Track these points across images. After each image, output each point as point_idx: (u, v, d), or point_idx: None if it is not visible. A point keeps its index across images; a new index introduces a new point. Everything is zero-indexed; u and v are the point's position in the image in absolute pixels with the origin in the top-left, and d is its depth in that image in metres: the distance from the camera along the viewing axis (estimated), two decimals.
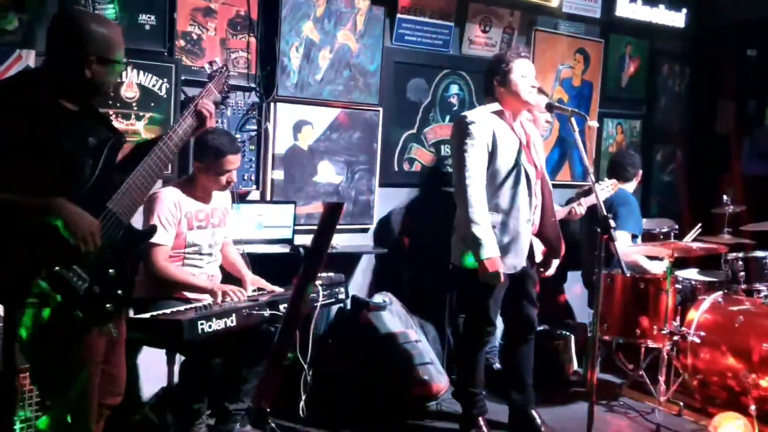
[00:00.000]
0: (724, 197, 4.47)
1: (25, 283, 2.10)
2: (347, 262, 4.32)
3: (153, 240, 3.05)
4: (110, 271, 2.22)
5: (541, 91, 3.45)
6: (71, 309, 2.13)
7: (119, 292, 2.25)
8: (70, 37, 2.19)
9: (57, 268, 2.09)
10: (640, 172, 4.66)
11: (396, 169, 4.55)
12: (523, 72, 3.41)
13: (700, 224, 4.51)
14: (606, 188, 4.18)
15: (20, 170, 2.08)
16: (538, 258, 3.55)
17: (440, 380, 3.93)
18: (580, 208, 4.12)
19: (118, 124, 3.45)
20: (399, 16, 4.36)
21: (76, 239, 2.11)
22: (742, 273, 4.25)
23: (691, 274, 4.61)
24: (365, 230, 4.46)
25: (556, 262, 3.65)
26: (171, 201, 3.18)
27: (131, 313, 3.02)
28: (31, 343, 2.20)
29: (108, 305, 2.21)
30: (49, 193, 2.11)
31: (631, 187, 4.62)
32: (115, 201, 2.25)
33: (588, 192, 4.25)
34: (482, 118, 3.41)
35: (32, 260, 2.09)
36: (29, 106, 2.13)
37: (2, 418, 2.65)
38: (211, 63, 2.81)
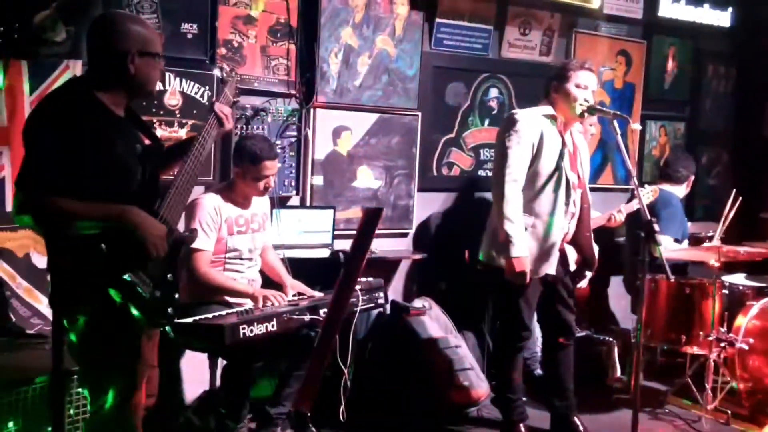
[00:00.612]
0: None
1: (98, 288, 2.15)
2: (386, 266, 4.32)
3: (194, 245, 3.11)
4: (168, 276, 2.28)
5: (592, 110, 3.41)
6: (142, 315, 2.18)
7: (176, 296, 2.31)
8: (111, 36, 2.24)
9: (126, 275, 2.15)
10: (692, 177, 4.57)
11: (435, 173, 4.54)
12: (579, 82, 3.38)
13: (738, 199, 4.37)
14: (647, 194, 4.11)
15: (77, 177, 2.13)
16: (572, 266, 3.51)
17: (480, 386, 3.90)
18: (620, 215, 4.06)
19: (161, 131, 3.51)
20: (438, 20, 4.36)
21: (147, 245, 2.18)
22: None
23: (739, 279, 4.50)
24: (404, 235, 4.46)
25: (588, 275, 3.60)
26: (211, 207, 3.22)
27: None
28: (85, 346, 2.25)
29: (170, 309, 2.28)
30: (103, 199, 2.17)
31: (680, 191, 4.53)
32: (166, 207, 2.31)
33: (629, 199, 4.19)
34: (531, 118, 3.40)
35: (104, 266, 2.14)
36: (83, 114, 2.18)
37: (54, 417, 2.73)
38: (221, 68, 2.85)
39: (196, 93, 3.61)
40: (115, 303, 2.16)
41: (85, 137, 2.14)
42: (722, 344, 3.91)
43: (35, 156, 2.14)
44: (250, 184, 3.28)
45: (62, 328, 2.32)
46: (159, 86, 3.48)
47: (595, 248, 3.59)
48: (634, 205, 4.02)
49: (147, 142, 2.40)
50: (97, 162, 2.17)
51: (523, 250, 3.28)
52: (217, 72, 2.85)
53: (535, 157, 3.36)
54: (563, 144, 3.41)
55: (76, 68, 3.27)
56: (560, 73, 3.45)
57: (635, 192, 3.14)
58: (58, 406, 2.77)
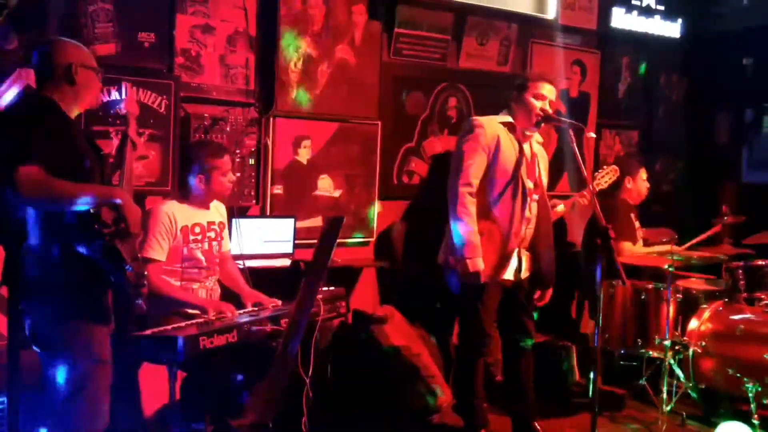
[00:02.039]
0: (724, 207, 4.47)
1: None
2: (348, 275, 4.32)
3: (147, 255, 3.10)
4: (138, 255, 2.55)
5: (548, 119, 3.46)
6: (118, 282, 2.44)
7: (145, 273, 2.61)
8: (55, 51, 2.56)
9: (114, 244, 2.40)
10: (641, 171, 4.62)
11: (395, 182, 4.57)
12: (537, 93, 3.44)
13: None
14: (607, 174, 4.18)
15: (57, 175, 2.32)
16: (524, 273, 3.54)
17: (442, 393, 3.91)
18: (584, 199, 4.12)
19: (118, 141, 3.47)
20: (396, 30, 4.39)
21: (129, 221, 2.45)
22: (743, 282, 4.25)
23: (692, 283, 4.61)
24: (365, 243, 4.47)
25: (550, 293, 3.63)
26: (166, 216, 3.19)
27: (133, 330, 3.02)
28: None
29: (144, 282, 2.54)
30: None
31: (629, 186, 4.58)
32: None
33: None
34: (489, 125, 3.45)
35: (93, 233, 2.38)
36: (46, 114, 2.42)
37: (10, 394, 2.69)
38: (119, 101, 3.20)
39: (153, 102, 3.58)
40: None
41: (51, 134, 2.35)
42: (677, 347, 3.99)
43: (10, 151, 2.30)
44: (216, 182, 3.27)
45: (18, 341, 2.36)
46: (116, 96, 3.46)
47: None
48: (599, 186, 4.09)
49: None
50: (68, 158, 2.37)
51: (476, 251, 3.32)
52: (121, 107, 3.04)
53: (492, 164, 3.41)
54: (521, 152, 3.46)
55: (28, 76, 3.21)
56: (520, 83, 3.51)
57: (592, 200, 3.20)
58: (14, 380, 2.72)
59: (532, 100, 3.43)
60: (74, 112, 2.58)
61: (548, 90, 3.48)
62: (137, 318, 2.97)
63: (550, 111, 3.47)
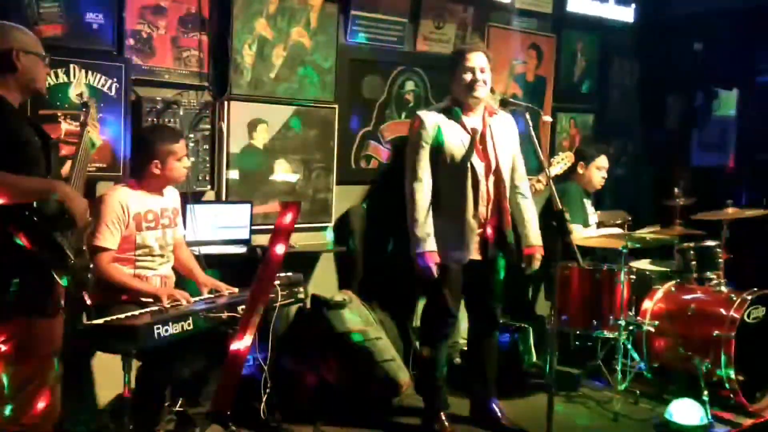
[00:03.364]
0: (675, 189, 4.57)
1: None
2: (306, 261, 4.29)
3: (98, 243, 3.04)
4: (83, 247, 2.52)
5: (505, 102, 3.46)
6: (67, 279, 2.39)
7: (91, 266, 2.61)
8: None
9: (56, 237, 2.35)
10: (600, 159, 4.66)
11: (353, 166, 4.54)
12: (468, 65, 3.43)
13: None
14: (562, 160, 4.22)
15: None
16: (491, 252, 3.54)
17: (401, 377, 3.93)
18: (539, 184, 4.15)
19: (67, 125, 3.37)
20: (352, 12, 4.35)
21: (75, 215, 2.40)
22: (694, 262, 4.35)
23: (645, 264, 4.70)
24: (323, 228, 4.44)
25: (537, 258, 3.60)
26: (117, 203, 3.12)
27: (84, 319, 2.95)
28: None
29: (89, 275, 2.55)
30: None
31: (585, 177, 4.62)
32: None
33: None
34: (430, 117, 3.46)
35: (36, 231, 2.33)
36: None
37: None
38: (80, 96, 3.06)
39: (102, 85, 3.48)
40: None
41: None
42: (630, 327, 4.08)
43: None
44: (172, 168, 3.21)
45: None
46: (64, 79, 3.35)
47: (532, 235, 3.59)
48: (553, 171, 4.13)
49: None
50: (7, 147, 2.30)
51: (428, 245, 3.37)
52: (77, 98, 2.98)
53: (437, 153, 3.43)
54: (466, 134, 3.45)
55: None
56: (451, 62, 3.52)
57: (549, 182, 3.23)
58: None
59: (467, 73, 3.43)
60: (18, 100, 2.49)
61: (478, 58, 3.46)
62: (88, 308, 2.91)
63: (483, 78, 3.45)
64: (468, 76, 3.43)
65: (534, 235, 3.61)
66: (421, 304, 4.38)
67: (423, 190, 3.42)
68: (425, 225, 3.40)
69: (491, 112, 3.56)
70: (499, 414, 3.68)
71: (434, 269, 3.38)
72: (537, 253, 3.59)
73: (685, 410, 3.72)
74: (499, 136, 3.56)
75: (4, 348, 2.34)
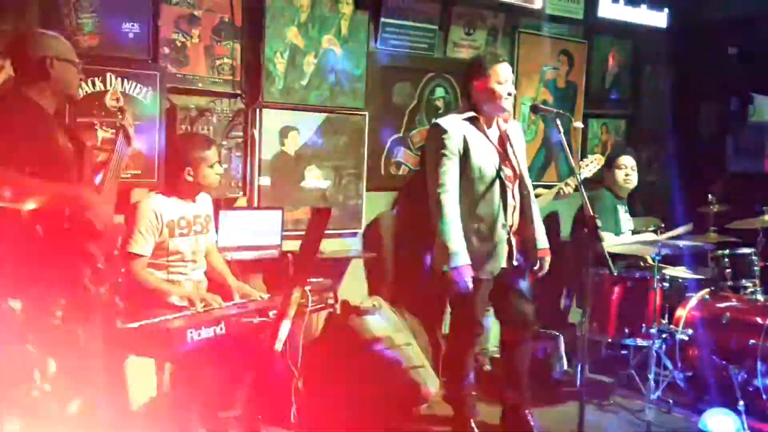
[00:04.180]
0: (709, 196, 4.50)
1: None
2: (336, 267, 4.31)
3: (132, 250, 3.09)
4: (114, 252, 2.61)
5: (536, 109, 3.48)
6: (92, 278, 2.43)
7: (122, 269, 2.71)
8: (30, 44, 2.53)
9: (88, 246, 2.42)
10: (619, 159, 4.63)
11: (383, 173, 4.56)
12: (500, 78, 3.41)
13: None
14: (592, 162, 4.19)
15: (23, 169, 2.32)
16: (516, 259, 3.52)
17: (430, 384, 3.92)
18: (568, 188, 4.12)
19: (103, 132, 3.44)
20: (383, 20, 4.37)
21: (98, 221, 2.44)
22: (729, 270, 4.29)
23: (679, 272, 4.63)
24: (353, 235, 4.46)
25: (548, 261, 3.61)
26: (151, 210, 3.18)
27: (118, 323, 3.00)
28: None
29: (119, 280, 2.61)
30: None
31: (614, 180, 4.59)
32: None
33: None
34: (454, 126, 3.42)
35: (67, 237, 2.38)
36: (18, 111, 2.39)
37: None
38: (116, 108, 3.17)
39: (138, 93, 3.54)
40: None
41: (25, 130, 2.34)
42: (663, 336, 4.02)
43: None
44: (204, 175, 3.27)
45: None
46: (100, 87, 3.42)
47: (542, 239, 3.59)
48: (584, 173, 4.10)
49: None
50: (39, 154, 2.35)
51: (463, 259, 3.30)
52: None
53: (465, 163, 3.39)
54: (491, 143, 3.45)
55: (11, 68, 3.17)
56: (477, 72, 3.45)
57: (579, 189, 3.20)
58: None
59: (497, 87, 3.40)
60: (52, 106, 2.54)
61: (507, 71, 3.44)
62: (120, 312, 2.96)
63: (509, 91, 3.44)
64: (499, 88, 3.40)
65: (543, 238, 3.59)
66: (449, 310, 4.40)
67: (452, 202, 3.35)
68: (458, 238, 3.32)
69: (505, 118, 3.56)
70: (531, 423, 3.65)
71: (470, 284, 3.32)
72: (547, 256, 3.57)
73: (720, 420, 3.66)
74: (516, 142, 3.57)
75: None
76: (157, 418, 3.24)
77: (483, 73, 3.42)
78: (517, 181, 3.50)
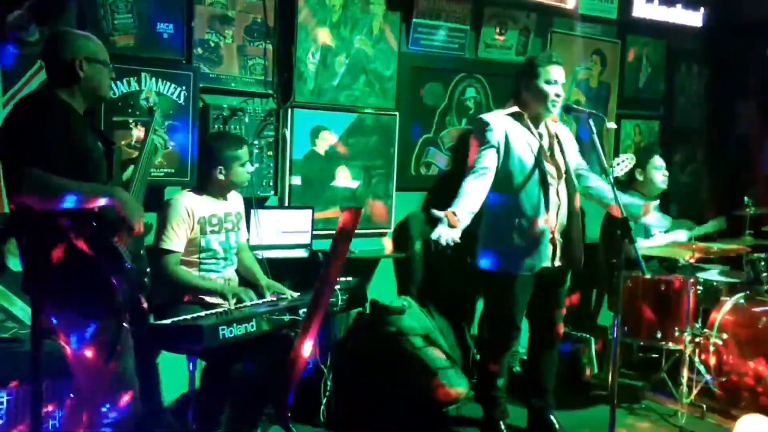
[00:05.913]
0: (746, 198, 4.42)
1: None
2: (366, 266, 4.32)
3: (165, 246, 3.14)
4: (141, 252, 2.61)
5: (569, 109, 3.45)
6: (121, 279, 2.44)
7: (148, 269, 2.65)
8: (60, 45, 2.56)
9: (113, 244, 2.42)
10: (652, 160, 4.57)
11: (413, 173, 4.56)
12: (549, 78, 3.40)
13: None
14: (623, 161, 4.14)
15: (56, 170, 2.34)
16: (558, 261, 3.50)
17: (460, 384, 3.92)
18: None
19: (138, 132, 3.49)
20: (414, 20, 4.37)
21: (131, 219, 2.47)
22: (765, 274, 4.21)
23: (713, 275, 4.56)
24: (383, 234, 4.47)
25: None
26: (183, 208, 3.22)
27: (151, 319, 3.05)
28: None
29: (145, 279, 2.60)
30: None
31: (640, 178, 4.53)
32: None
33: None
34: (497, 120, 3.42)
35: (96, 236, 2.40)
36: (51, 111, 2.42)
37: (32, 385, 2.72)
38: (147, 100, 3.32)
39: (172, 93, 3.59)
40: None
41: (57, 131, 2.37)
42: (697, 339, 3.96)
43: (18, 150, 2.33)
44: (236, 173, 3.30)
45: (41, 332, 2.41)
46: (135, 87, 3.47)
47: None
48: (616, 172, 4.05)
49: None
50: (71, 154, 2.38)
51: (458, 210, 3.11)
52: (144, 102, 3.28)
53: (506, 158, 3.38)
54: (534, 138, 3.43)
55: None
56: (528, 70, 3.46)
57: (612, 190, 3.16)
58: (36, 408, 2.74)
59: (545, 86, 3.40)
60: (83, 107, 2.58)
61: (559, 73, 3.43)
62: (146, 311, 3.00)
63: (563, 94, 3.43)
64: (547, 88, 3.39)
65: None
66: (479, 310, 4.39)
67: (474, 181, 3.28)
68: (461, 202, 3.17)
69: (554, 118, 3.54)
70: (556, 426, 3.62)
71: (444, 236, 2.98)
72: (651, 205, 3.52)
73: (754, 426, 3.59)
74: (565, 142, 3.56)
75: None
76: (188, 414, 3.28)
77: (534, 71, 3.42)
78: (563, 181, 3.47)
